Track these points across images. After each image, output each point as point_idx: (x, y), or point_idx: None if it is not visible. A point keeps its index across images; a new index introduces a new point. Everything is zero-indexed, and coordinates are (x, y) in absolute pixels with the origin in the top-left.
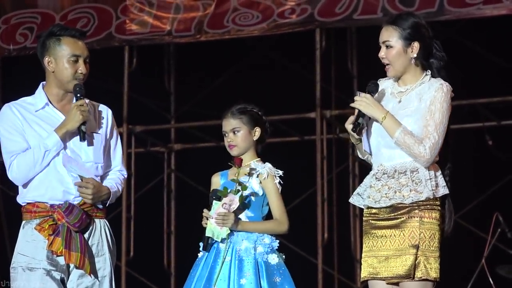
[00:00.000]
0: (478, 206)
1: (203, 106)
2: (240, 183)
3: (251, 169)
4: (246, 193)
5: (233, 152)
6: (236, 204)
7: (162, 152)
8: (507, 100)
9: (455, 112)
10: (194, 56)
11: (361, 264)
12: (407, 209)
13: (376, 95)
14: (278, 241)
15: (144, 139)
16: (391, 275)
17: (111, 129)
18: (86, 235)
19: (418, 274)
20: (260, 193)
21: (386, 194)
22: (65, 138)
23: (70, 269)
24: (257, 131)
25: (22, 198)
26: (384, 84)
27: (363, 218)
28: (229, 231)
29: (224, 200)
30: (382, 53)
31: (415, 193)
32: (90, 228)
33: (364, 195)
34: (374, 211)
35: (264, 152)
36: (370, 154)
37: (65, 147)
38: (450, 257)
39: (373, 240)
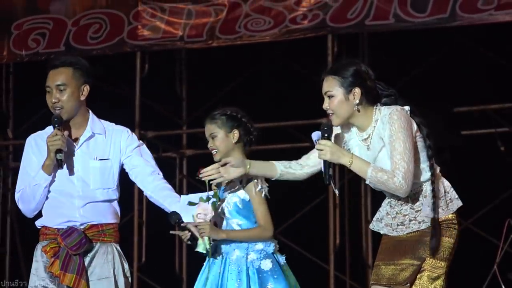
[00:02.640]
0: (490, 212)
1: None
2: (212, 191)
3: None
4: (234, 200)
5: (216, 157)
6: (211, 213)
7: (173, 158)
8: None
9: (466, 118)
10: (206, 61)
11: (372, 269)
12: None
13: (340, 135)
14: (273, 244)
15: (155, 145)
16: (388, 281)
17: (127, 148)
18: (88, 258)
19: (417, 286)
20: (247, 199)
21: (402, 222)
22: (51, 171)
23: None
24: (236, 133)
25: (38, 221)
26: (345, 129)
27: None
28: (210, 241)
29: (198, 210)
30: (325, 104)
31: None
32: (93, 251)
33: (382, 222)
34: None
35: (276, 157)
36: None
37: (73, 176)
38: (462, 263)
39: (386, 249)
